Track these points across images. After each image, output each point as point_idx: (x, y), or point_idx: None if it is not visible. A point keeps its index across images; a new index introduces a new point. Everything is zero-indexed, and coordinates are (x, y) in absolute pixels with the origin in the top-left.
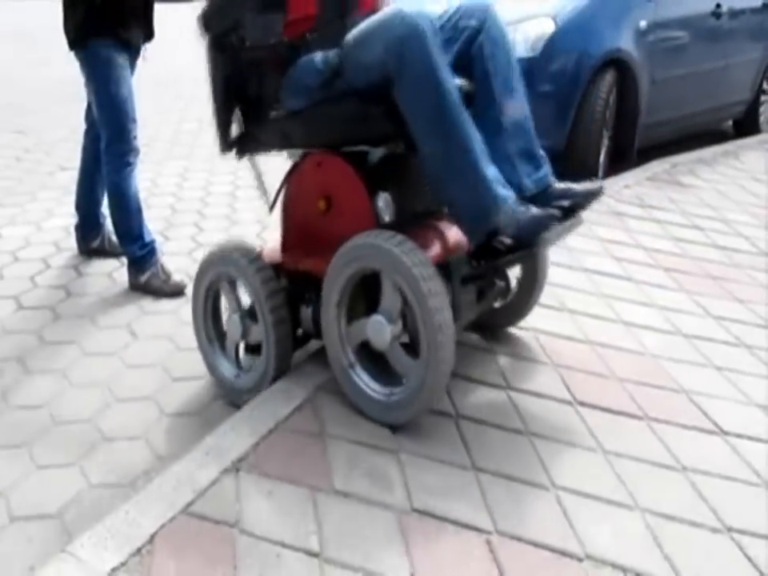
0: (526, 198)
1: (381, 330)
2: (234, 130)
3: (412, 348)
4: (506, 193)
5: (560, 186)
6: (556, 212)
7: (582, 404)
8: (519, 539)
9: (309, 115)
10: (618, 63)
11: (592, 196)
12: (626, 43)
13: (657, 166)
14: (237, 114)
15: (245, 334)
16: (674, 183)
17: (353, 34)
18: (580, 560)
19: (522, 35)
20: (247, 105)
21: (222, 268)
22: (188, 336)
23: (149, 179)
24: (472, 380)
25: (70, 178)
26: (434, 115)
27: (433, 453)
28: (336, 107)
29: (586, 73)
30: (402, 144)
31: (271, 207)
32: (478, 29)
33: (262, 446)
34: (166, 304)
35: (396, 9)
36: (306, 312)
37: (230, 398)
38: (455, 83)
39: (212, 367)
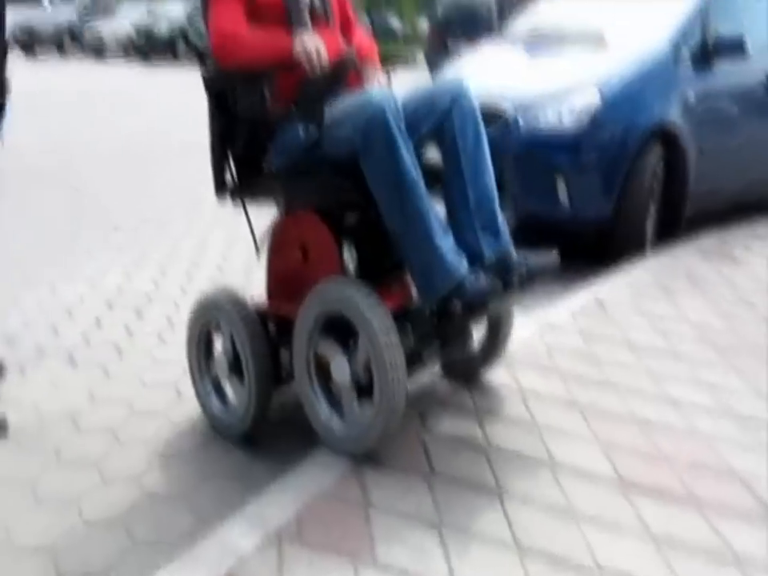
0: (486, 266)
1: (342, 369)
2: (229, 179)
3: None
4: (457, 263)
5: (519, 257)
6: (499, 284)
7: (629, 484)
8: None
9: (290, 179)
10: (665, 134)
11: (547, 268)
12: (673, 114)
13: (706, 239)
14: (231, 165)
15: (231, 373)
16: (725, 256)
17: (330, 112)
18: None
19: (567, 106)
20: (240, 158)
21: (211, 312)
22: None
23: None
24: (515, 454)
25: (124, 237)
26: (394, 190)
27: (475, 528)
28: (313, 176)
29: (633, 144)
30: (372, 212)
31: (258, 253)
32: (451, 106)
33: (305, 514)
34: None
35: (365, 93)
36: (286, 354)
37: (219, 431)
38: (414, 162)
39: (203, 404)
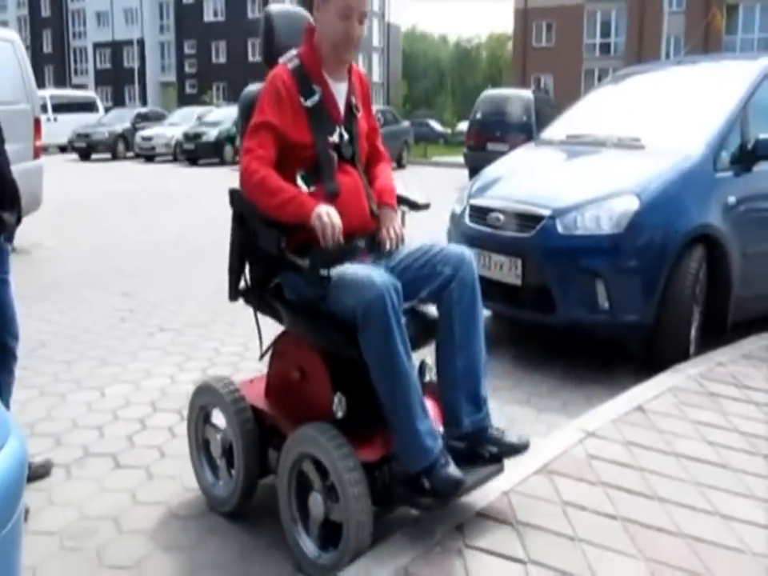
0: (461, 433)
1: (316, 504)
2: (243, 286)
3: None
4: (431, 445)
5: (493, 432)
6: (463, 480)
7: None
8: None
9: (296, 314)
10: (706, 238)
11: (516, 451)
12: (714, 218)
13: (753, 343)
14: (247, 274)
15: (223, 455)
16: None
17: (336, 276)
18: None
19: (606, 212)
20: (255, 270)
21: (209, 398)
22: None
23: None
24: (556, 570)
25: (169, 340)
26: (385, 372)
27: None
28: (316, 323)
29: (674, 249)
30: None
31: (261, 357)
32: (453, 274)
33: None
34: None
35: (368, 273)
36: (273, 455)
37: (211, 506)
38: (408, 348)
39: (198, 477)
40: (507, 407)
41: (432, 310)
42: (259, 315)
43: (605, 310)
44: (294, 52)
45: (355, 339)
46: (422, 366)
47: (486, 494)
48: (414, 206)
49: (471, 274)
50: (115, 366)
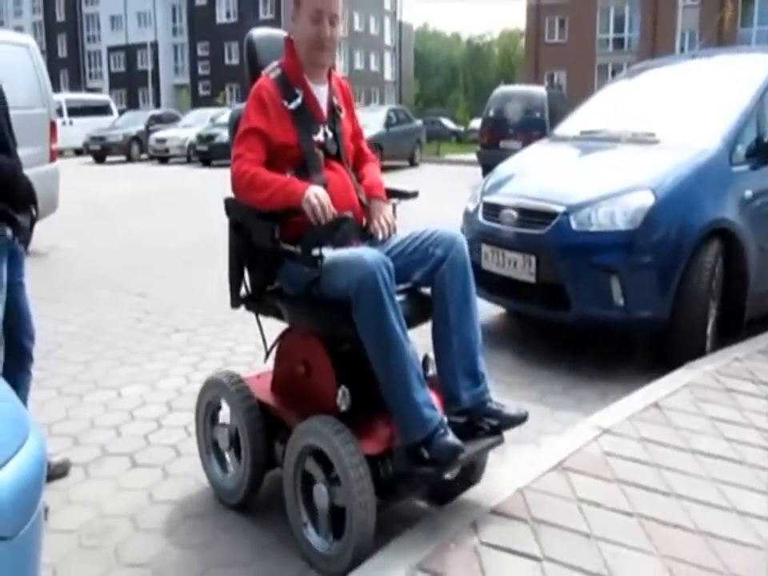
0: (461, 409)
1: (320, 495)
2: (243, 292)
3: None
4: (430, 416)
5: (492, 406)
6: (462, 447)
7: None
8: None
9: (294, 304)
10: (722, 232)
11: (515, 422)
12: (730, 213)
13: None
14: (246, 280)
15: (230, 447)
16: None
17: (329, 258)
18: None
19: (621, 208)
20: (253, 276)
21: (217, 392)
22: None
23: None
24: (571, 567)
25: (184, 340)
26: (379, 345)
27: None
28: (313, 307)
29: (689, 244)
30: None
31: (266, 357)
32: (444, 256)
33: None
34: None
35: (359, 253)
36: (280, 448)
37: (219, 498)
38: (401, 321)
39: (206, 469)
40: (521, 405)
41: (427, 289)
42: (263, 319)
43: (620, 306)
44: (275, 63)
45: (351, 318)
46: (425, 361)
47: (500, 490)
48: (404, 195)
49: (463, 256)
50: (132, 367)
